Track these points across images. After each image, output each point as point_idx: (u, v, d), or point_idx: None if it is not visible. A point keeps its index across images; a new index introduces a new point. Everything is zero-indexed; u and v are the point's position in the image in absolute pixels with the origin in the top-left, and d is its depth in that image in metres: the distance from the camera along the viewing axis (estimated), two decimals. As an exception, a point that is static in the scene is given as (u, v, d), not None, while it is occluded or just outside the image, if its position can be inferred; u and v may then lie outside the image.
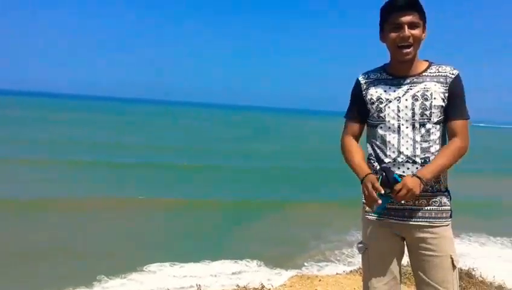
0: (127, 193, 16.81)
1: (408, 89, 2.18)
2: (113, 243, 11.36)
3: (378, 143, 2.24)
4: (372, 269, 2.32)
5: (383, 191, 2.10)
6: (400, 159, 2.18)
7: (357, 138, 2.41)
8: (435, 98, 2.17)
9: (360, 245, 2.40)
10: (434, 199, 2.25)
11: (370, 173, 2.17)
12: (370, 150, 2.32)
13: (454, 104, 2.21)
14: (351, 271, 4.87)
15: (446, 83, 2.18)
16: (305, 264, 10.94)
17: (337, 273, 4.94)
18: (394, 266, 2.33)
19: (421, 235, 2.26)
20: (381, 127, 2.22)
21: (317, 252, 11.94)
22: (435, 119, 2.18)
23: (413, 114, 2.17)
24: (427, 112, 2.17)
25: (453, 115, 2.22)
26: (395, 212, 2.25)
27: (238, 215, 14.95)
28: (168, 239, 12.10)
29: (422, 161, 2.16)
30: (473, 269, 5.27)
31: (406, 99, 2.16)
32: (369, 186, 2.11)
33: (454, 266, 2.25)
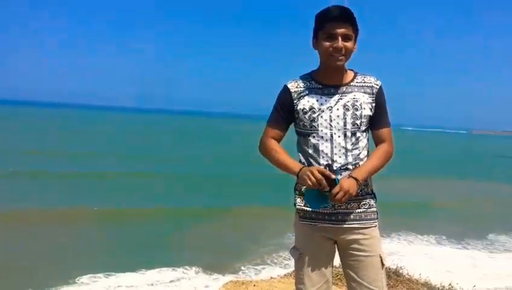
0: (54, 204, 16.07)
1: (339, 99, 2.24)
2: (43, 255, 10.82)
3: (310, 152, 2.26)
4: (306, 274, 2.34)
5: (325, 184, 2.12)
6: (333, 168, 2.24)
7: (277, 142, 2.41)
8: (364, 108, 2.28)
9: (294, 250, 2.41)
10: (364, 202, 2.35)
11: (305, 166, 2.23)
12: (302, 159, 2.32)
13: (381, 113, 2.35)
14: (285, 275, 4.93)
15: (373, 94, 2.30)
16: (243, 268, 11.00)
17: (271, 278, 4.99)
18: (327, 269, 2.39)
19: (353, 237, 2.34)
20: (313, 136, 2.24)
21: (255, 257, 12.04)
22: (363, 128, 2.29)
23: (345, 123, 2.24)
24: (358, 122, 2.26)
25: (380, 124, 2.37)
26: (329, 217, 2.30)
27: (174, 223, 14.75)
28: (101, 249, 11.72)
29: (354, 167, 2.26)
30: (401, 267, 5.48)
31: (338, 109, 2.23)
32: (315, 171, 2.11)
33: (383, 265, 2.38)
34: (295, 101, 2.26)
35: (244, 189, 21.78)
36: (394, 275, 5.25)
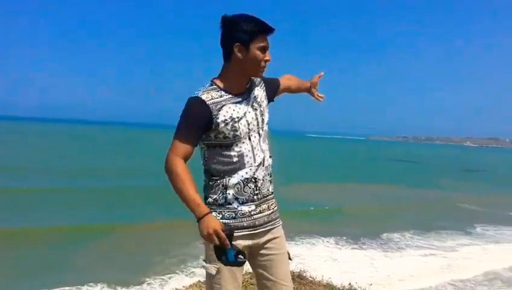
0: None
1: (248, 103, 2.30)
2: None
3: (235, 160, 2.26)
4: (224, 287, 2.31)
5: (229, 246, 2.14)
6: (261, 169, 2.31)
7: (186, 160, 2.26)
8: (263, 101, 2.40)
9: (210, 264, 2.32)
10: (271, 202, 2.44)
11: (210, 212, 2.18)
12: (218, 172, 2.28)
13: (271, 82, 2.58)
14: (190, 285, 4.89)
15: (261, 85, 2.43)
16: (148, 280, 10.84)
17: (176, 289, 4.94)
18: (240, 278, 2.41)
19: (266, 238, 2.41)
20: (236, 145, 2.25)
21: (161, 268, 11.88)
22: (266, 119, 2.41)
23: (257, 123, 2.32)
24: (264, 117, 2.37)
25: (276, 79, 2.66)
26: (247, 223, 2.33)
27: (76, 241, 13.99)
28: None
29: (270, 160, 2.39)
30: (304, 270, 5.65)
31: (249, 112, 2.28)
32: (222, 236, 2.11)
33: (290, 260, 2.51)
34: (214, 113, 2.20)
35: (147, 202, 21.32)
36: (298, 278, 5.40)
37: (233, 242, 2.18)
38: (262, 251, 2.41)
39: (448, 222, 20.85)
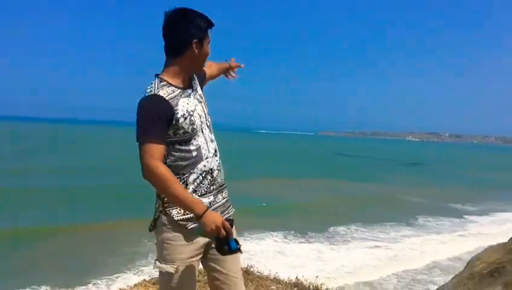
0: None
1: (195, 96, 2.31)
2: None
3: (194, 155, 2.24)
4: (184, 288, 2.29)
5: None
6: (214, 160, 2.33)
7: (162, 162, 2.16)
8: (202, 93, 2.43)
9: (166, 265, 2.25)
10: (226, 190, 2.45)
11: (209, 207, 2.15)
12: (176, 165, 2.23)
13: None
14: (135, 285, 4.84)
15: (196, 78, 2.43)
16: (94, 281, 10.72)
17: (120, 289, 4.88)
18: (197, 274, 2.39)
19: None
20: (195, 139, 2.25)
21: (109, 268, 11.75)
22: (207, 110, 2.44)
23: (205, 115, 2.34)
24: (207, 110, 2.40)
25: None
26: None
27: (19, 244, 13.61)
28: None
29: (217, 150, 2.39)
30: (251, 266, 5.67)
31: (197, 105, 2.29)
32: (228, 226, 2.11)
33: (241, 253, 2.40)
34: (174, 109, 2.16)
35: (92, 202, 20.84)
36: (245, 274, 5.42)
37: (198, 238, 2.20)
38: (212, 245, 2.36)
39: (392, 214, 21.70)
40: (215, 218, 2.09)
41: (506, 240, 11.82)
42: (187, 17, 2.21)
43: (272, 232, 16.68)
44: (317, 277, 6.25)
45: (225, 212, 2.40)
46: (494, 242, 12.63)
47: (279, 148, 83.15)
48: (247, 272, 5.52)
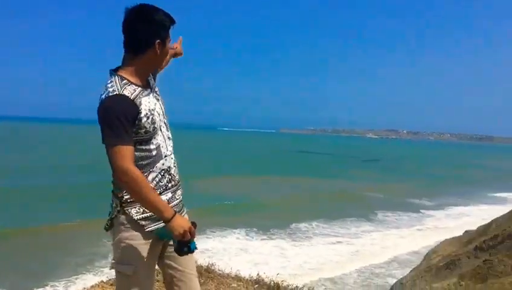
0: None
1: (153, 93, 2.25)
2: None
3: (154, 154, 2.20)
4: (143, 289, 2.23)
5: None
6: (171, 158, 2.28)
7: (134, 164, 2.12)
8: (159, 90, 2.36)
9: (125, 266, 2.20)
10: (181, 187, 2.38)
11: (176, 212, 2.13)
12: (136, 164, 2.15)
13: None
14: (92, 286, 4.70)
15: (154, 76, 2.38)
16: (51, 283, 10.48)
17: (84, 288, 4.75)
18: (155, 274, 2.35)
19: None
20: (155, 138, 2.20)
21: (68, 269, 11.54)
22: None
23: (163, 112, 2.29)
24: (164, 107, 2.33)
25: None
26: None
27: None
28: None
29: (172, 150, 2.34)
30: (212, 264, 5.62)
31: (155, 103, 2.23)
32: (193, 230, 2.12)
33: (196, 249, 2.37)
34: (139, 108, 2.10)
35: (48, 203, 20.20)
36: (206, 272, 5.35)
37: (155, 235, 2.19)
38: (171, 241, 2.29)
39: (352, 210, 22.08)
40: (182, 222, 2.10)
41: (461, 234, 12.27)
42: (150, 16, 2.14)
43: (234, 230, 16.68)
44: (278, 274, 6.25)
45: (182, 210, 2.37)
46: (450, 236, 13.10)
47: (241, 146, 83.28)
48: (208, 271, 5.46)
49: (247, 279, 5.72)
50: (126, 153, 2.04)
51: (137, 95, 2.11)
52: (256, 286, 5.31)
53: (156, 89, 2.32)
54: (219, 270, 5.68)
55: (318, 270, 12.95)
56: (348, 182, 34.49)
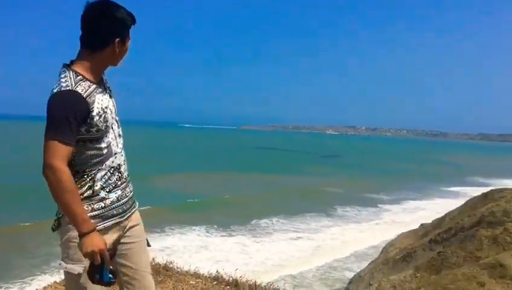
0: None
1: (106, 91, 2.21)
2: None
3: (104, 152, 2.15)
4: (94, 288, 2.13)
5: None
6: (121, 155, 2.25)
7: (68, 165, 2.03)
8: (111, 88, 2.31)
9: (73, 265, 2.11)
10: (131, 184, 2.33)
11: (95, 229, 2.02)
12: (84, 163, 2.14)
13: None
14: (44, 287, 4.56)
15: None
16: (5, 285, 10.14)
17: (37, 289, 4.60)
18: None
19: (129, 225, 2.29)
20: (106, 136, 2.15)
21: (23, 270, 11.23)
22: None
23: (115, 110, 2.25)
24: (116, 103, 2.30)
25: None
26: (117, 210, 2.20)
27: None
28: None
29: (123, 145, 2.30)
30: (170, 262, 5.55)
31: (109, 100, 2.19)
32: (107, 256, 2.00)
33: (149, 246, 2.40)
34: (91, 107, 2.04)
35: (8, 202, 19.57)
36: (164, 270, 5.27)
37: (105, 235, 2.08)
38: (123, 240, 2.28)
39: (311, 206, 22.32)
40: (95, 242, 1.99)
41: (417, 227, 12.61)
42: (113, 13, 2.08)
43: (194, 227, 16.54)
44: (236, 269, 6.24)
45: (132, 207, 2.33)
46: (406, 229, 13.45)
47: (202, 143, 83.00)
48: (165, 269, 5.39)
49: (206, 276, 5.68)
50: (61, 151, 1.96)
51: (91, 93, 2.05)
52: (215, 282, 5.28)
53: (108, 85, 2.27)
54: (177, 267, 5.62)
55: (279, 266, 13.03)
56: (307, 177, 34.90)
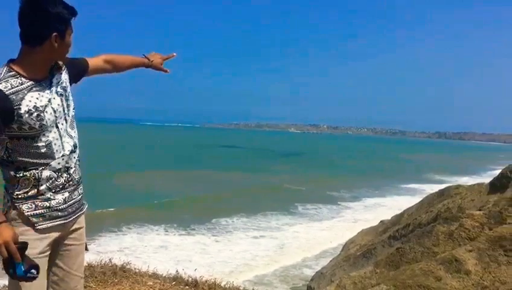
0: None
1: (52, 88, 2.15)
2: None
3: (43, 151, 2.10)
4: (34, 286, 2.11)
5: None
6: (67, 156, 2.19)
7: None
8: (68, 86, 2.25)
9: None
10: (81, 186, 2.31)
11: (4, 221, 2.00)
12: (24, 161, 2.11)
13: (78, 63, 2.41)
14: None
15: (65, 68, 2.28)
16: None
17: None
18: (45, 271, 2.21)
19: (74, 227, 2.28)
20: (44, 135, 2.08)
21: None
22: (72, 104, 2.27)
23: (63, 109, 2.18)
24: (70, 102, 2.24)
25: (83, 61, 2.46)
26: (62, 212, 2.17)
27: None
28: None
29: (77, 146, 2.26)
30: (127, 263, 5.41)
31: (54, 98, 2.13)
32: (13, 249, 1.94)
33: (87, 250, 2.41)
34: (16, 104, 1.99)
35: None
36: (120, 271, 5.12)
37: (45, 234, 2.08)
38: (65, 241, 2.27)
39: (273, 203, 22.36)
40: (4, 234, 1.97)
41: (377, 224, 12.83)
42: (46, 8, 2.03)
43: (153, 227, 16.31)
44: (195, 269, 6.16)
45: (78, 210, 2.32)
46: (367, 226, 13.64)
47: (163, 141, 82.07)
48: (123, 270, 5.23)
49: (165, 276, 5.57)
50: None
51: (19, 90, 2.02)
52: (174, 283, 5.18)
53: (64, 84, 2.22)
54: (135, 268, 5.48)
55: (246, 267, 12.91)
56: (267, 175, 35.06)
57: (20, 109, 1.99)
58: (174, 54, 2.90)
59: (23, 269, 1.97)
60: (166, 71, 2.90)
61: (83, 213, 2.35)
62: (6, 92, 1.98)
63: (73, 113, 2.29)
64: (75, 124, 2.31)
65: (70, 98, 2.28)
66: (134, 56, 2.78)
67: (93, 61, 2.55)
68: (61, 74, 2.24)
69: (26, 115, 2.01)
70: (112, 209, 17.13)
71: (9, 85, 1.99)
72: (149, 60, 2.78)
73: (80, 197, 2.30)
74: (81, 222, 2.36)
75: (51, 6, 2.04)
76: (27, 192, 2.10)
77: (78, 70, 2.41)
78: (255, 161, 48.46)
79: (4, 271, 2.01)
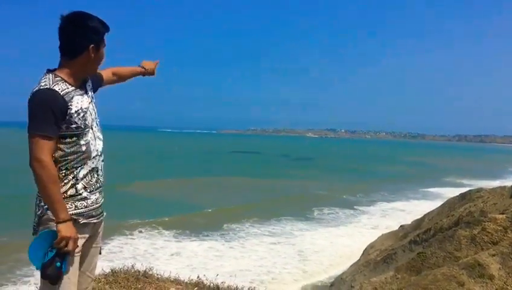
0: None
1: (87, 94, 2.39)
2: None
3: (83, 149, 2.30)
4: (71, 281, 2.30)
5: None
6: (98, 157, 2.41)
7: (52, 157, 2.22)
8: (94, 94, 2.51)
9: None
10: (103, 192, 2.51)
11: (70, 219, 2.23)
12: (66, 159, 2.29)
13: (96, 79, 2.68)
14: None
15: (89, 79, 2.50)
16: None
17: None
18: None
19: (99, 229, 2.51)
20: (85, 134, 2.31)
21: None
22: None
23: (95, 113, 2.43)
24: (97, 108, 2.49)
25: (99, 75, 2.73)
26: (95, 212, 2.39)
27: None
28: None
29: (102, 150, 2.47)
30: (150, 268, 5.49)
31: (89, 103, 2.37)
32: (77, 245, 2.24)
33: (100, 254, 2.61)
34: (69, 104, 2.23)
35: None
36: (143, 277, 5.21)
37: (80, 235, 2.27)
38: (89, 243, 2.45)
39: (288, 209, 22.11)
40: (72, 229, 2.20)
41: (396, 228, 12.70)
42: (84, 22, 2.29)
43: (165, 231, 16.45)
44: (217, 275, 6.20)
45: (102, 213, 2.51)
46: (386, 231, 13.48)
47: (180, 147, 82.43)
48: (145, 275, 5.32)
49: (186, 282, 5.63)
50: (45, 145, 2.15)
51: (68, 92, 2.23)
52: (196, 288, 5.24)
53: (91, 94, 2.45)
54: (157, 274, 5.57)
55: (260, 272, 12.79)
56: (282, 180, 34.93)
57: (71, 108, 2.23)
58: (157, 60, 3.19)
59: (66, 266, 2.19)
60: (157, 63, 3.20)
61: (104, 217, 2.54)
62: (62, 93, 2.19)
63: (99, 119, 2.51)
64: (101, 129, 2.53)
65: (96, 106, 2.51)
66: (132, 67, 3.10)
67: (106, 74, 2.82)
68: (89, 84, 2.47)
69: (75, 115, 2.25)
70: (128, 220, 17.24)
71: (61, 88, 2.21)
72: (144, 68, 3.09)
73: (102, 201, 2.49)
74: (102, 226, 2.57)
75: (89, 21, 2.29)
76: (66, 191, 2.28)
77: (98, 82, 2.65)
78: (266, 166, 48.55)
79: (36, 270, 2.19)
